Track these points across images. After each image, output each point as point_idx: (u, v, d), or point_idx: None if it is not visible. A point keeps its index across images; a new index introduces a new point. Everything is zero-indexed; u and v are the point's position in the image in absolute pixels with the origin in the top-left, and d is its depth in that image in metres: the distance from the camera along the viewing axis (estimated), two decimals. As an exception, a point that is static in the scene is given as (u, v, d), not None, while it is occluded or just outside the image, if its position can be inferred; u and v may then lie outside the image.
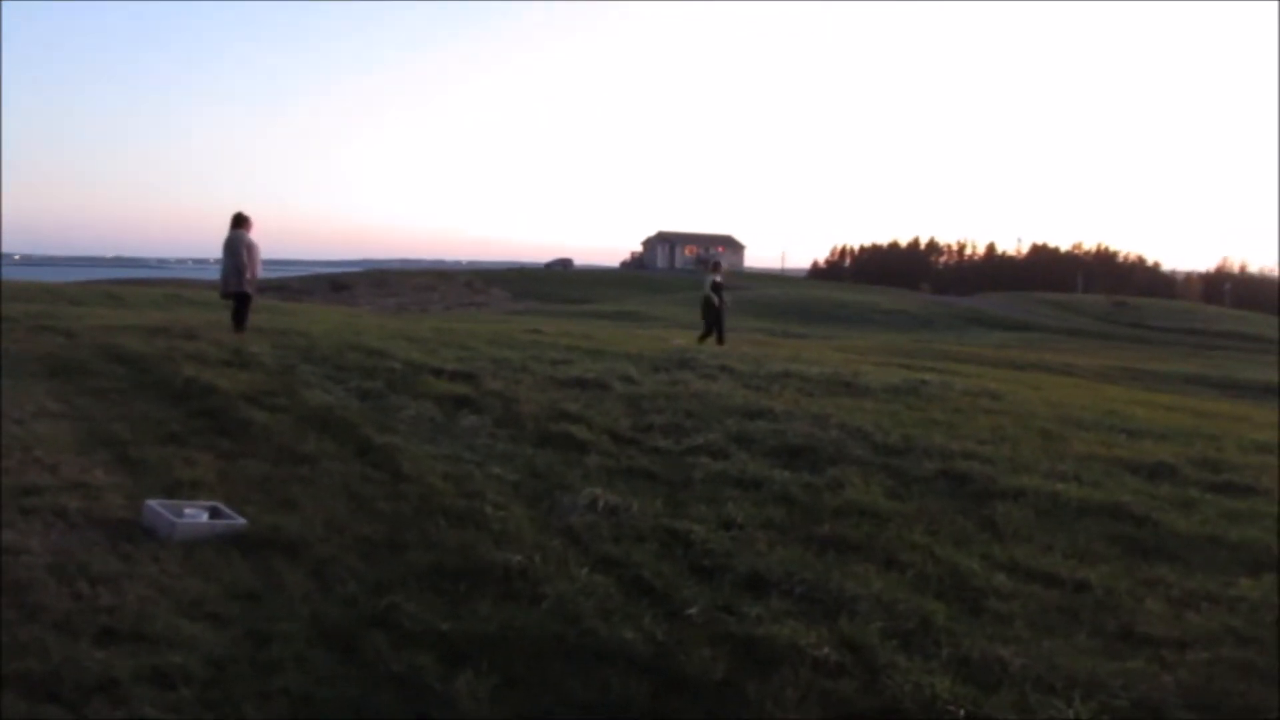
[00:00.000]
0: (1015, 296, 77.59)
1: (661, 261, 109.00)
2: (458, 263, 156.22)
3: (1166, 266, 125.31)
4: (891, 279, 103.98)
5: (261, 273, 13.77)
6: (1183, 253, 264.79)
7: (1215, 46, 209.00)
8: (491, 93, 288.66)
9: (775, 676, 3.53)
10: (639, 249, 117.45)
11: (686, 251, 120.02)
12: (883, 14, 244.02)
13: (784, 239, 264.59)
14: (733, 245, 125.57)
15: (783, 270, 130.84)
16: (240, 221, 13.19)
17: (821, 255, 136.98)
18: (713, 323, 18.00)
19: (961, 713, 3.30)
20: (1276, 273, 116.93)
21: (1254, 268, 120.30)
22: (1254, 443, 8.49)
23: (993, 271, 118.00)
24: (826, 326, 45.83)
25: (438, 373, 9.65)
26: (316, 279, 74.46)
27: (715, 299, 18.00)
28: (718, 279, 18.35)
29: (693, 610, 4.10)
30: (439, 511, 5.37)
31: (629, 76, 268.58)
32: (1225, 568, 4.89)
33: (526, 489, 5.94)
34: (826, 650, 3.72)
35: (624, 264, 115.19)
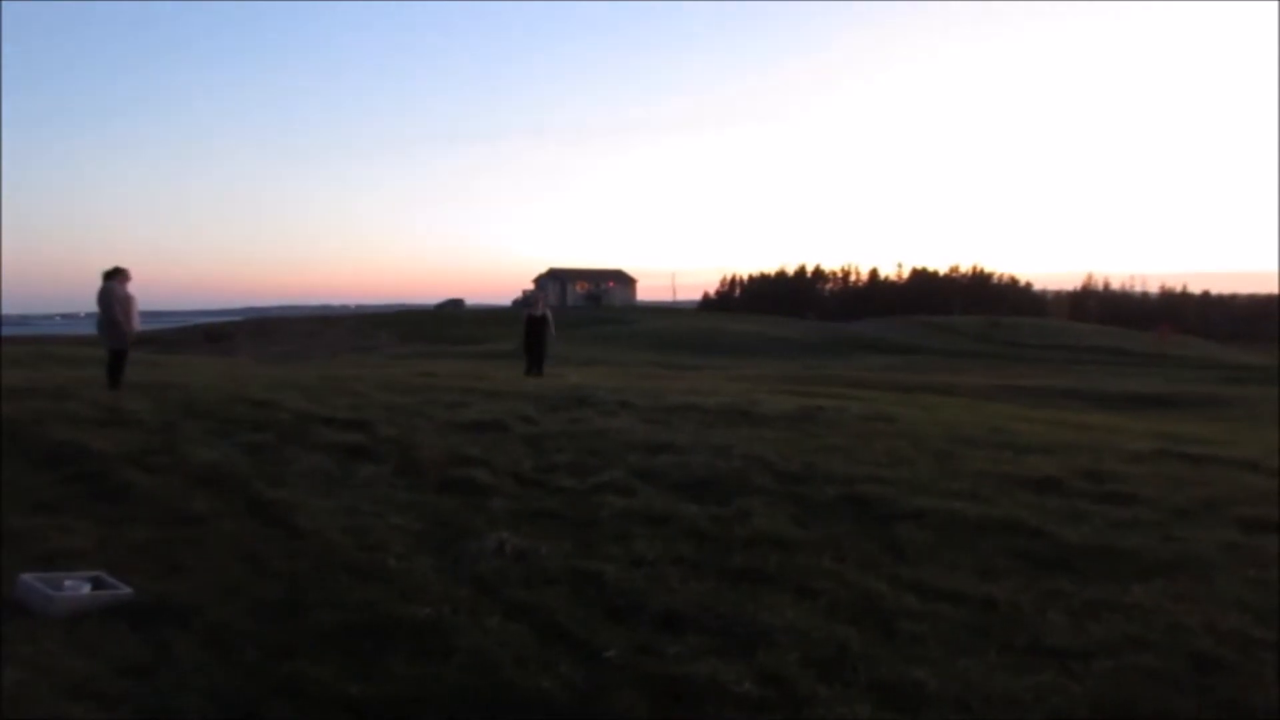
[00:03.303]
0: (897, 321, 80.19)
1: (553, 298, 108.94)
2: (345, 306, 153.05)
3: (1037, 285, 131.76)
4: (781, 307, 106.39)
5: (139, 326, 13.15)
6: (1050, 268, 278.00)
7: (1071, 69, 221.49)
8: (378, 130, 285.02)
9: (699, 716, 3.49)
10: (531, 286, 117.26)
11: (578, 288, 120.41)
12: (762, 47, 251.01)
13: (675, 270, 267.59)
14: (623, 279, 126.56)
15: (675, 302, 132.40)
16: (114, 274, 12.60)
17: (712, 285, 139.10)
18: (533, 353, 18.18)
19: (885, 739, 3.32)
20: (1137, 288, 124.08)
21: (1116, 284, 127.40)
22: (1131, 453, 8.89)
23: (876, 296, 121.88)
24: (718, 357, 46.42)
25: (329, 422, 9.36)
26: (192, 329, 71.84)
27: (544, 331, 18.26)
28: (541, 312, 18.65)
29: (610, 653, 4.03)
30: (340, 567, 5.17)
31: (515, 113, 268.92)
32: (1117, 576, 5.07)
33: (431, 538, 5.77)
34: (747, 685, 3.70)
35: (515, 302, 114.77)
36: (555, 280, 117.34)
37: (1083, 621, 4.39)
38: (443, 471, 7.42)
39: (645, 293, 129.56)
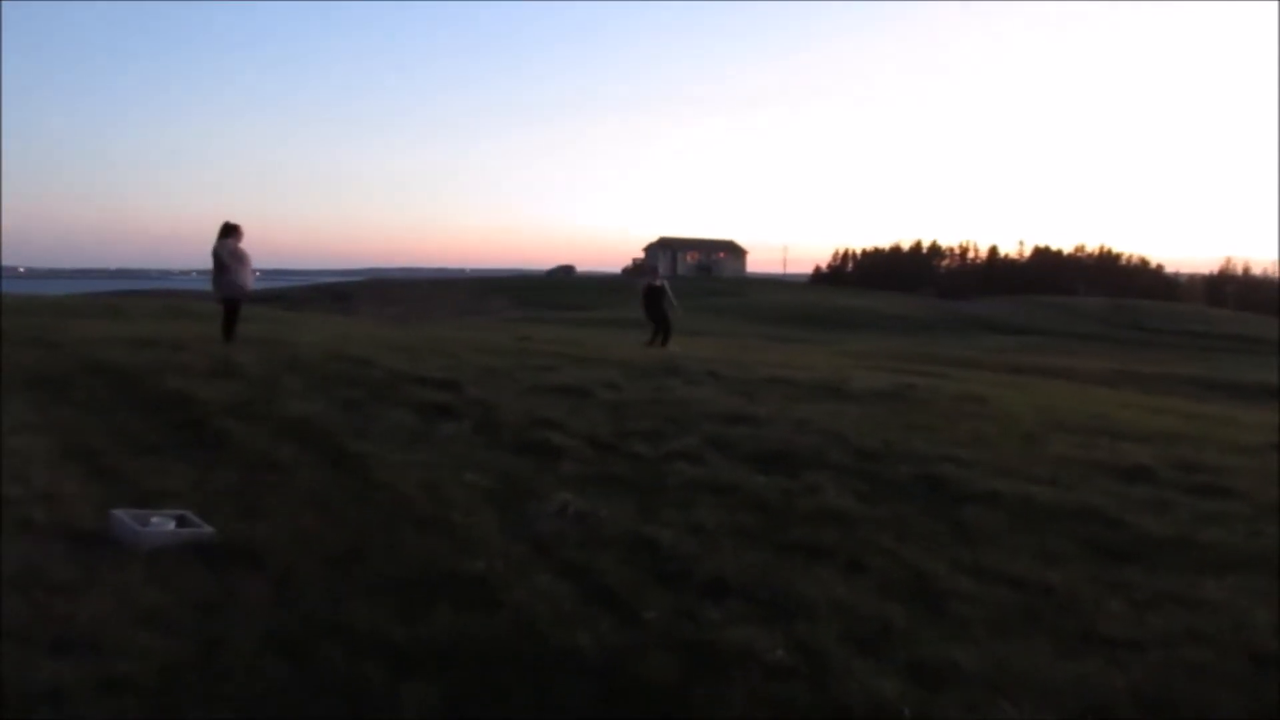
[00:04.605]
0: (1017, 300, 77.59)
1: (663, 268, 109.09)
2: (461, 270, 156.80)
3: (1170, 268, 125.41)
4: (894, 282, 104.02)
5: (254, 282, 13.75)
6: (1185, 253, 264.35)
7: (1215, 46, 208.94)
8: (498, 103, 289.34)
9: (725, 680, 3.52)
10: (641, 255, 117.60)
11: (689, 258, 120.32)
12: (885, 17, 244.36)
13: (787, 243, 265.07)
14: (734, 250, 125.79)
15: (785, 275, 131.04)
16: (228, 231, 13.18)
17: (824, 259, 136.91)
18: (660, 323, 18.25)
19: (907, 713, 3.29)
20: (1278, 274, 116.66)
21: (1257, 269, 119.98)
22: (1237, 444, 8.46)
23: (995, 275, 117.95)
24: (828, 331, 45.88)
25: (420, 381, 9.65)
26: (316, 289, 74.74)
27: (661, 302, 18.31)
28: (657, 283, 18.67)
29: (650, 615, 4.09)
30: (407, 520, 5.37)
31: (632, 81, 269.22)
32: (1193, 569, 4.86)
33: (499, 497, 5.92)
34: (780, 654, 3.71)
35: (626, 270, 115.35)
36: (666, 250, 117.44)
37: (1143, 613, 4.24)
38: (521, 433, 7.58)
39: (756, 265, 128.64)
